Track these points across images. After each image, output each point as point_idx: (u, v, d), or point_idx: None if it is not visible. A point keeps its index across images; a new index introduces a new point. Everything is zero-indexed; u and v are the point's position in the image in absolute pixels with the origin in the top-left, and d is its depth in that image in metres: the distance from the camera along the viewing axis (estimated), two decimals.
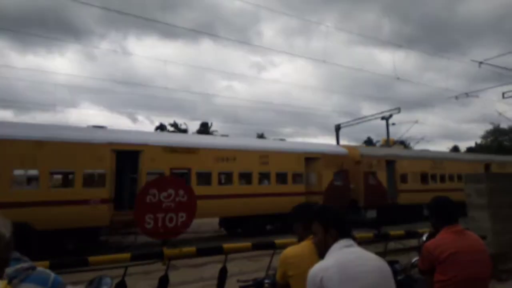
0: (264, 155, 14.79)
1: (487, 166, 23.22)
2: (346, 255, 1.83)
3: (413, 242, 7.36)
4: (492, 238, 6.37)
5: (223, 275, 3.84)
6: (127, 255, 3.74)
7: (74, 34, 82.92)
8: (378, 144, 39.22)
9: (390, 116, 25.68)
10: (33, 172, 10.72)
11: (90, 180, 11.84)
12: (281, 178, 15.31)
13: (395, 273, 2.96)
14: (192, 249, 4.25)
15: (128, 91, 69.18)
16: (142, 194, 5.17)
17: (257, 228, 14.46)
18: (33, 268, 1.62)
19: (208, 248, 4.47)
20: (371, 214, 18.39)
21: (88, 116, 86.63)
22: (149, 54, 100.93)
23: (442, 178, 20.79)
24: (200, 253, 4.27)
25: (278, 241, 4.53)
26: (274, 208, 14.49)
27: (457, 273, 2.35)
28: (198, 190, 12.16)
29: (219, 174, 13.66)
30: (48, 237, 10.24)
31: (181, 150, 12.80)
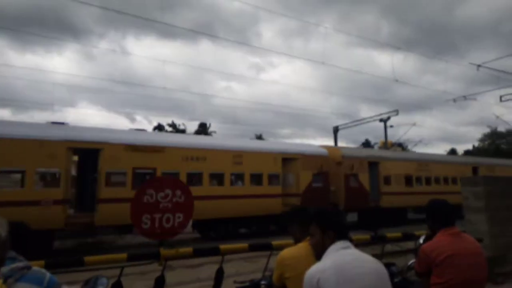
0: (238, 155, 14.14)
1: (475, 169, 22.79)
2: (343, 257, 1.83)
3: (410, 245, 7.37)
4: (489, 241, 6.39)
5: (219, 276, 3.84)
6: (123, 255, 3.73)
7: (73, 34, 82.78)
8: (376, 146, 39.29)
9: (388, 118, 25.78)
10: None
11: (43, 180, 11.17)
12: (256, 179, 14.63)
13: (391, 275, 2.97)
14: (188, 249, 4.25)
15: (127, 91, 68.94)
16: (139, 194, 5.15)
17: (230, 231, 13.87)
18: (28, 268, 1.61)
19: (205, 248, 4.46)
20: (352, 217, 17.99)
21: (86, 116, 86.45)
22: (148, 54, 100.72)
23: (428, 181, 20.24)
24: (197, 253, 4.27)
25: (275, 242, 4.53)
26: (248, 210, 13.95)
27: (454, 275, 2.36)
28: None
29: (188, 174, 12.87)
30: None
31: (145, 148, 12.16)
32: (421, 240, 3.64)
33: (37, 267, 1.68)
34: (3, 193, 10.10)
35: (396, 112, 25.40)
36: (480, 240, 3.49)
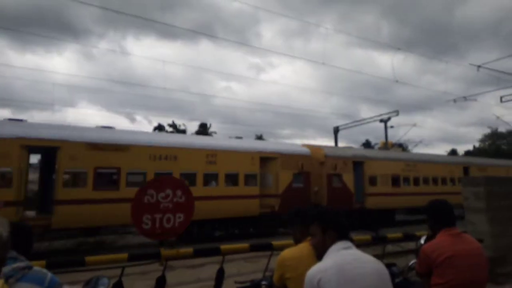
0: (212, 154, 13.53)
1: (466, 169, 22.32)
2: (344, 257, 1.83)
3: (411, 245, 7.37)
4: (490, 241, 6.38)
5: (220, 276, 3.84)
6: (124, 255, 3.74)
7: (73, 34, 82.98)
8: (376, 147, 39.28)
9: (389, 118, 25.78)
10: None
11: None
12: (232, 179, 14.01)
13: (392, 275, 2.97)
14: (189, 249, 4.25)
15: (127, 91, 69.28)
16: (140, 194, 5.16)
17: (203, 234, 13.20)
18: (29, 268, 1.62)
19: (206, 249, 4.47)
20: None
21: (86, 116, 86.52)
22: (148, 54, 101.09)
23: (416, 181, 19.62)
24: (197, 254, 4.27)
25: (276, 242, 4.53)
26: (223, 212, 13.43)
27: (454, 276, 2.36)
28: (129, 192, 11.03)
29: (156, 174, 12.08)
30: None
31: (108, 147, 11.50)
32: (422, 241, 3.64)
33: (38, 267, 1.69)
34: None
35: (397, 112, 25.39)
36: (481, 241, 3.49)
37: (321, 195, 16.32)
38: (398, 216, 19.85)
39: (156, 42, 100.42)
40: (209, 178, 13.48)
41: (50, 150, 10.86)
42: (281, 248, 3.23)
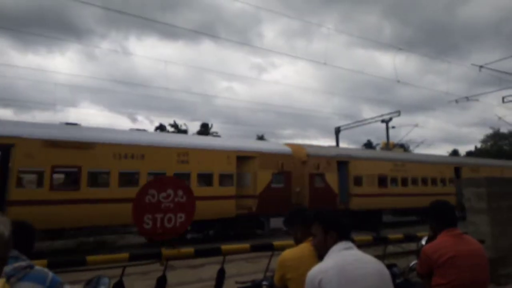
0: (183, 153, 12.85)
1: (457, 170, 21.64)
2: (345, 257, 1.83)
3: (412, 246, 7.35)
4: (491, 242, 6.37)
5: (221, 276, 3.84)
6: (125, 255, 3.74)
7: (75, 34, 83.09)
8: (378, 147, 39.21)
9: (390, 119, 25.76)
10: None
11: None
12: (205, 179, 13.39)
13: (393, 276, 2.97)
14: (190, 250, 4.26)
15: (128, 91, 69.24)
16: (141, 194, 5.16)
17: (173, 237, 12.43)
18: (31, 267, 1.62)
19: (206, 249, 4.47)
20: None
21: (88, 116, 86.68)
22: (150, 55, 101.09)
23: (404, 182, 18.97)
24: (198, 254, 4.27)
25: (277, 243, 4.53)
26: (196, 213, 12.44)
27: (455, 277, 2.35)
28: (91, 192, 10.83)
29: (121, 174, 11.57)
30: None
31: (68, 144, 10.82)
32: (423, 242, 3.64)
33: (39, 267, 1.69)
34: None
35: (398, 113, 25.37)
36: (482, 241, 3.49)
37: (303, 196, 15.80)
38: (386, 218, 19.41)
39: (158, 42, 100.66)
40: (181, 178, 12.79)
41: (4, 147, 10.20)
42: (282, 248, 3.23)
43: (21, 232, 1.78)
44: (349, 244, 1.91)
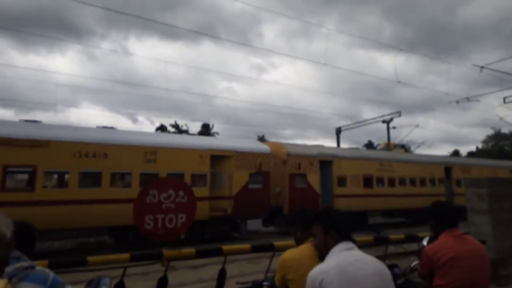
0: (151, 152, 12.16)
1: (448, 170, 21.21)
2: (346, 258, 1.83)
3: (413, 246, 7.34)
4: (492, 242, 6.36)
5: (222, 276, 3.84)
6: (126, 256, 3.74)
7: (75, 34, 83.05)
8: (379, 148, 39.18)
9: (391, 119, 25.77)
10: None
11: None
12: None
13: (394, 277, 2.96)
14: (191, 250, 4.26)
15: (129, 92, 69.28)
16: (142, 194, 5.17)
17: (139, 240, 11.03)
18: (32, 267, 1.62)
19: (208, 249, 4.48)
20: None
21: (89, 116, 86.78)
22: (150, 55, 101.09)
23: (391, 182, 18.41)
24: (200, 254, 4.27)
25: (278, 243, 4.53)
26: None
27: (456, 277, 2.35)
28: (47, 194, 10.30)
29: (81, 174, 11.00)
30: None
31: (22, 142, 10.14)
32: (424, 242, 3.63)
33: (41, 267, 1.69)
34: None
35: (399, 113, 25.39)
36: (483, 242, 3.48)
37: (283, 197, 15.32)
38: (375, 219, 19.04)
39: (158, 43, 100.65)
40: (147, 179, 11.38)
41: None
42: (283, 249, 3.23)
43: (22, 233, 1.79)
44: (350, 244, 1.91)
